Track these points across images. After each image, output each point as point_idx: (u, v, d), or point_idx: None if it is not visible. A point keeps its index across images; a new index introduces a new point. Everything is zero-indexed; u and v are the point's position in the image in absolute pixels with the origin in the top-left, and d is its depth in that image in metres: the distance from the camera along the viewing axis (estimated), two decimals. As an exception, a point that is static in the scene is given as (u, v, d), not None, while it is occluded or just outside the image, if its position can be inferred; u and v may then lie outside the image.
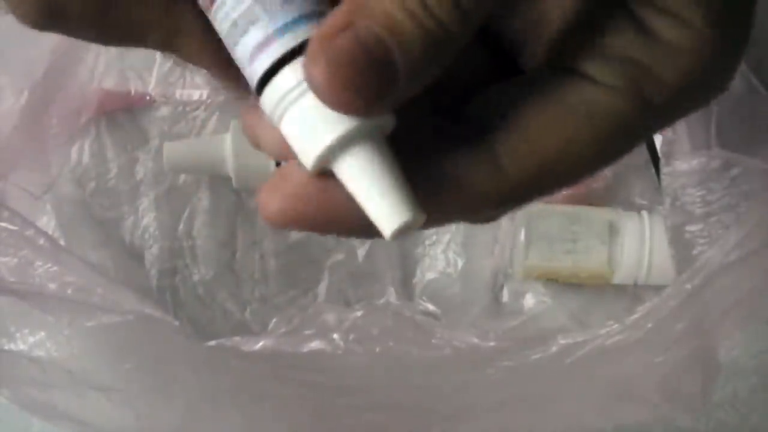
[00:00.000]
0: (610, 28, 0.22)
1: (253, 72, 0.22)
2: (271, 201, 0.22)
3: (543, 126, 0.22)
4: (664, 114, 0.22)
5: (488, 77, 0.24)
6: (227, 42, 0.22)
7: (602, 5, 0.22)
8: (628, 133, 0.22)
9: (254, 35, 0.21)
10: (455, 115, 0.23)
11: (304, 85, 0.21)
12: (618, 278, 0.50)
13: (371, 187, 0.21)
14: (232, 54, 0.22)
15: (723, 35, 0.21)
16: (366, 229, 0.22)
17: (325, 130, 0.21)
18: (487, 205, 0.22)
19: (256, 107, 0.22)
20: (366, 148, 0.21)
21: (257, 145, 0.24)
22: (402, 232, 0.21)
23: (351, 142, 0.21)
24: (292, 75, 0.21)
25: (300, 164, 0.22)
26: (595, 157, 0.22)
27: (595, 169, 0.23)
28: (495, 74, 0.24)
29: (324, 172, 0.22)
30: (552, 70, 0.22)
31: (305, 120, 0.21)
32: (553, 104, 0.22)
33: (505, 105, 0.22)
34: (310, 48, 0.20)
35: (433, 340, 0.38)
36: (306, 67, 0.20)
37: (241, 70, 0.22)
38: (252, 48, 0.21)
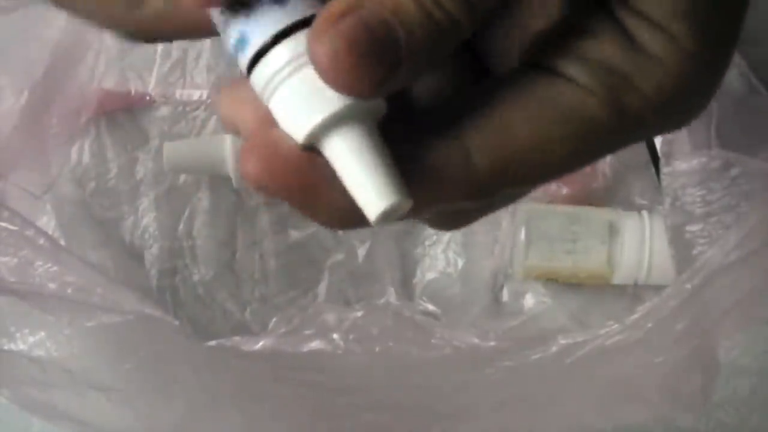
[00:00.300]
0: (593, 33, 0.22)
1: (243, 56, 0.21)
2: (254, 158, 0.21)
3: (513, 119, 0.22)
4: (641, 125, 0.22)
5: (470, 81, 0.24)
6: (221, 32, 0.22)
7: (587, 11, 0.22)
8: (601, 137, 0.22)
9: (235, 29, 0.21)
10: (436, 110, 0.23)
11: (297, 62, 0.21)
12: (618, 278, 0.50)
13: (359, 168, 0.21)
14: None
15: (706, 53, 0.21)
16: (348, 213, 0.21)
17: (318, 107, 0.21)
18: (458, 196, 0.22)
19: (234, 90, 0.22)
20: (356, 129, 0.21)
21: (235, 129, 0.23)
22: (387, 217, 0.21)
23: (343, 121, 0.21)
24: (284, 52, 0.21)
25: (288, 137, 0.21)
26: (565, 156, 0.22)
27: (567, 168, 0.22)
28: (477, 79, 0.24)
29: (311, 150, 0.22)
30: (530, 68, 0.22)
31: (298, 97, 0.21)
32: (525, 99, 0.22)
33: (480, 99, 0.22)
34: (315, 27, 0.20)
35: (433, 340, 0.38)
36: (310, 45, 0.20)
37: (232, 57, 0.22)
38: (234, 41, 0.21)
